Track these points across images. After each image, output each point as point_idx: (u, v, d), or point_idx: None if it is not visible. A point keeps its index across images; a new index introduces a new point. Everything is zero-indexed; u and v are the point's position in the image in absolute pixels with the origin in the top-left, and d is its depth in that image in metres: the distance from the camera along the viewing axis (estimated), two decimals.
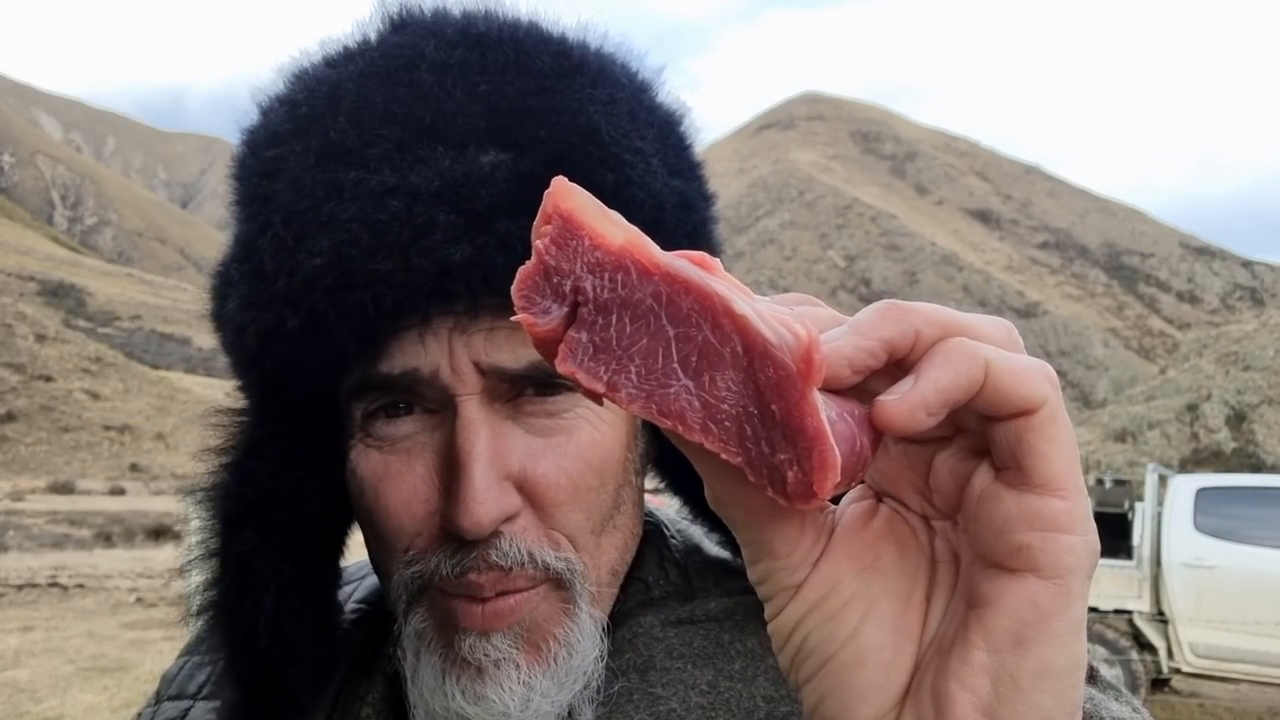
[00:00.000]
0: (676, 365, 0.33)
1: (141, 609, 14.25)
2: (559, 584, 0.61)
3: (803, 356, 0.32)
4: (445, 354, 0.59)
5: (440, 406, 0.61)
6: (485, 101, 0.60)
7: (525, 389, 0.60)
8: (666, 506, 0.78)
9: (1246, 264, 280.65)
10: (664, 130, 0.67)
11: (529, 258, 0.43)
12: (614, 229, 0.34)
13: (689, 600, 0.68)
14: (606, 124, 0.62)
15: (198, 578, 0.67)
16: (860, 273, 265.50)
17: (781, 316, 0.33)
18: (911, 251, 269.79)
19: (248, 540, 0.64)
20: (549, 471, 0.60)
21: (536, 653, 0.60)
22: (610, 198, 0.56)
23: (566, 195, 0.35)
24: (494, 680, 0.59)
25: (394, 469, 0.61)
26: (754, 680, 0.64)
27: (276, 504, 0.64)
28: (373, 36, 0.65)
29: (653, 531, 0.73)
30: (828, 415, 0.33)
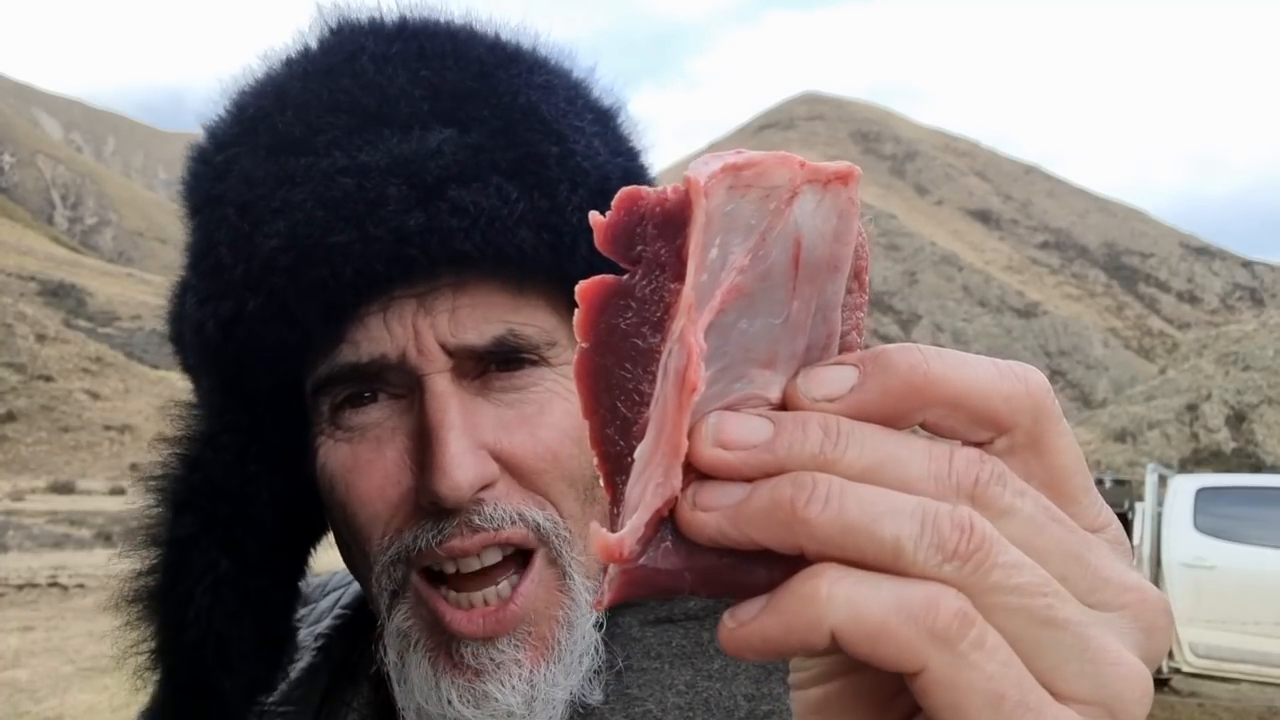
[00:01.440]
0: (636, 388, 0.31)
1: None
2: (550, 558, 0.60)
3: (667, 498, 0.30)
4: (410, 336, 0.59)
5: (407, 390, 0.61)
6: (427, 85, 0.62)
7: (490, 366, 0.61)
8: None
9: (1246, 264, 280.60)
10: (602, 116, 0.68)
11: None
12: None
13: (668, 598, 0.66)
14: (545, 104, 0.63)
15: (133, 563, 0.65)
16: None
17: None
18: (911, 251, 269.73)
19: (186, 527, 0.62)
20: (525, 441, 0.60)
21: (542, 645, 0.59)
22: (556, 167, 0.60)
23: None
24: (495, 679, 0.58)
25: (364, 457, 0.60)
26: (734, 679, 0.63)
27: (223, 497, 0.62)
28: (313, 43, 0.66)
29: None
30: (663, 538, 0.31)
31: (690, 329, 0.29)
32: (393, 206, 0.57)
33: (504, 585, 0.59)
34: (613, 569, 0.32)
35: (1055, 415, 0.37)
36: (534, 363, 0.61)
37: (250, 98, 0.65)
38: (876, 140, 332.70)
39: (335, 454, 0.61)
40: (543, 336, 0.62)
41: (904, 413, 0.32)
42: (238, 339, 0.60)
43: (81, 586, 16.45)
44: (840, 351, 0.34)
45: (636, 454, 0.31)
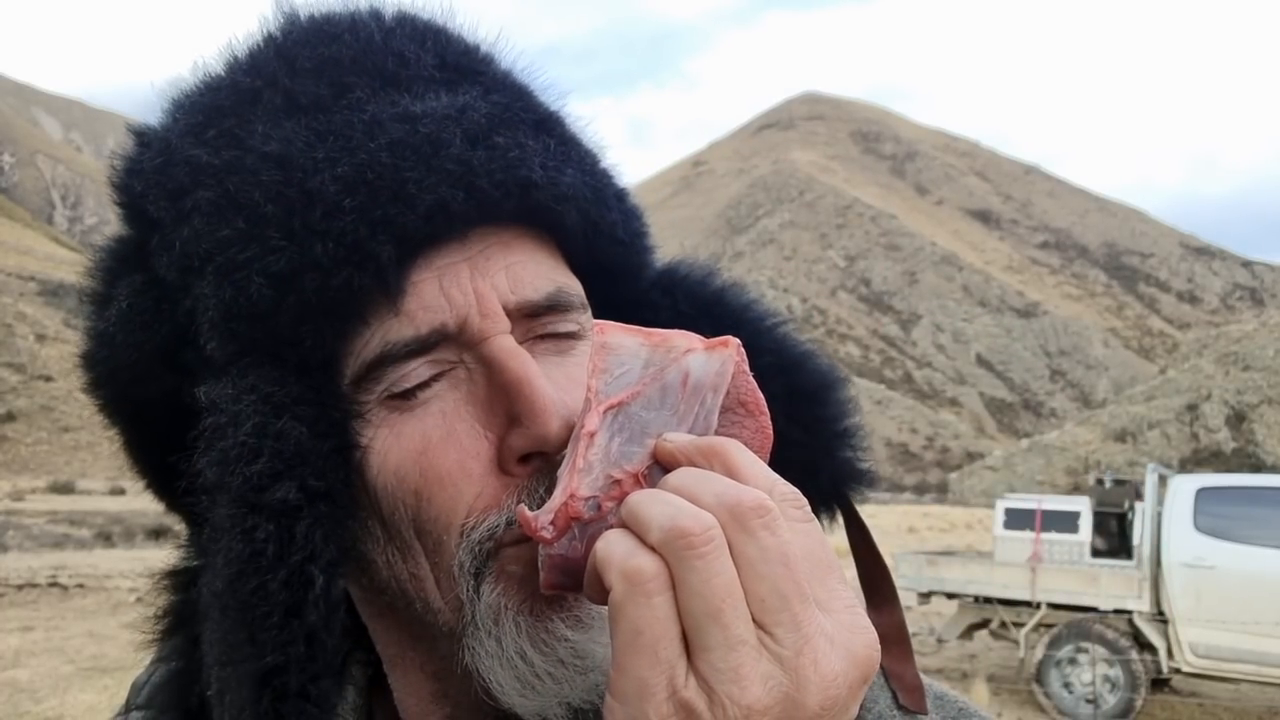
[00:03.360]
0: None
1: (142, 609, 14.20)
2: None
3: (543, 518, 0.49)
4: (473, 301, 0.58)
5: (457, 356, 0.59)
6: (436, 55, 0.64)
7: (536, 333, 0.61)
8: None
9: (1246, 264, 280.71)
10: (569, 120, 0.71)
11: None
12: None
13: None
14: (524, 78, 0.68)
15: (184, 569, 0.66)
16: (860, 272, 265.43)
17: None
18: (911, 251, 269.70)
19: (291, 493, 0.56)
20: (579, 398, 0.58)
21: None
22: (565, 130, 0.66)
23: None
24: (588, 607, 0.58)
25: (434, 437, 0.58)
26: None
27: (314, 469, 0.57)
28: (279, 30, 0.65)
29: None
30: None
31: (594, 404, 0.50)
32: (455, 146, 0.58)
33: None
34: (542, 552, 0.48)
35: (792, 515, 0.47)
36: (575, 335, 0.62)
37: (239, 74, 0.63)
38: (876, 140, 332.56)
39: (400, 442, 0.58)
40: (580, 297, 0.64)
41: (703, 459, 0.49)
42: (301, 290, 0.56)
43: (81, 586, 16.46)
44: None
45: (558, 471, 0.51)
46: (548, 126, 0.64)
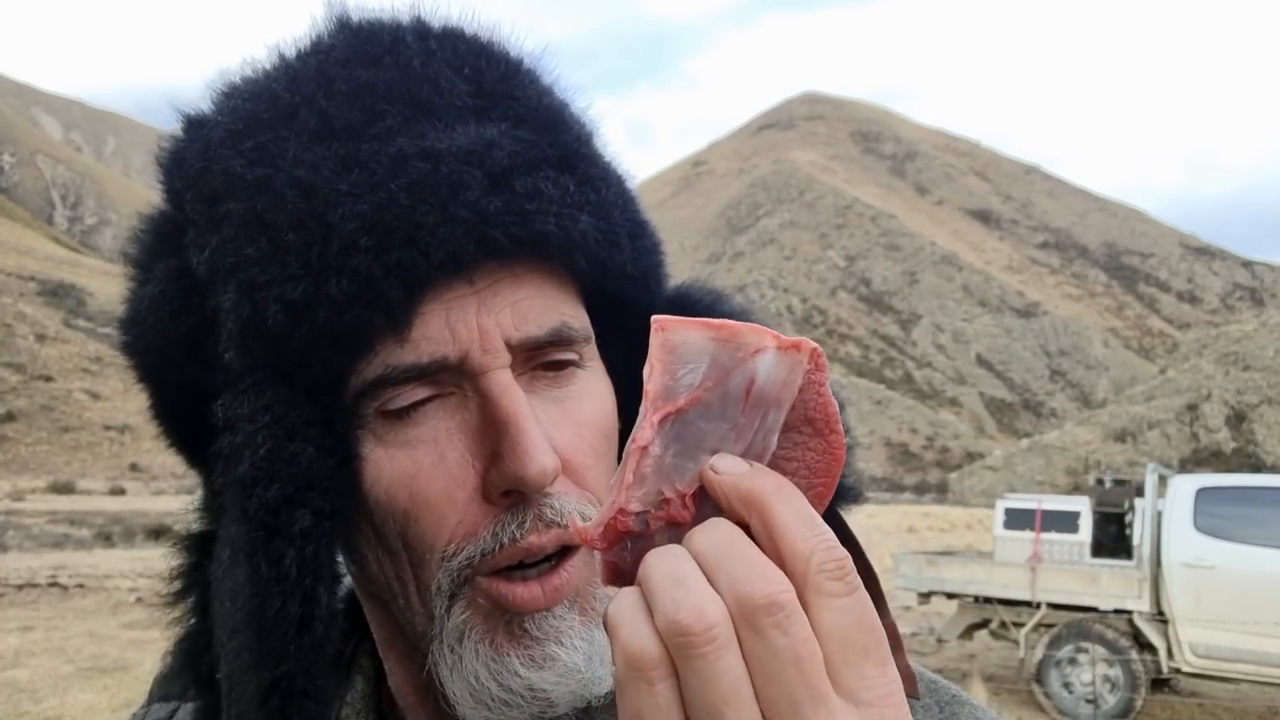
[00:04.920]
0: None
1: (141, 609, 14.24)
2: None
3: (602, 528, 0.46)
4: (475, 336, 0.59)
5: (456, 386, 0.61)
6: (470, 82, 0.64)
7: (537, 366, 0.62)
8: None
9: (1246, 264, 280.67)
10: (582, 112, 0.72)
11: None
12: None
13: None
14: (562, 105, 0.68)
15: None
16: (860, 272, 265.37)
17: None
18: (911, 251, 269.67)
19: (305, 521, 0.60)
20: (571, 438, 0.62)
21: (590, 612, 0.62)
22: (592, 166, 0.65)
23: None
24: (557, 641, 0.60)
25: (425, 463, 0.60)
26: None
27: (318, 490, 0.61)
28: (332, 37, 0.66)
29: None
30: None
31: (649, 412, 0.45)
32: (474, 191, 0.58)
33: (552, 563, 0.61)
34: (597, 556, 0.47)
35: (827, 590, 0.42)
36: (575, 364, 0.63)
37: (281, 85, 0.64)
38: (877, 140, 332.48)
39: (391, 464, 0.61)
40: (584, 331, 0.64)
41: (743, 508, 0.44)
42: (314, 321, 0.58)
43: (81, 586, 16.46)
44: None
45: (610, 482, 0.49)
46: (571, 164, 0.63)
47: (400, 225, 0.58)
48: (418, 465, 0.60)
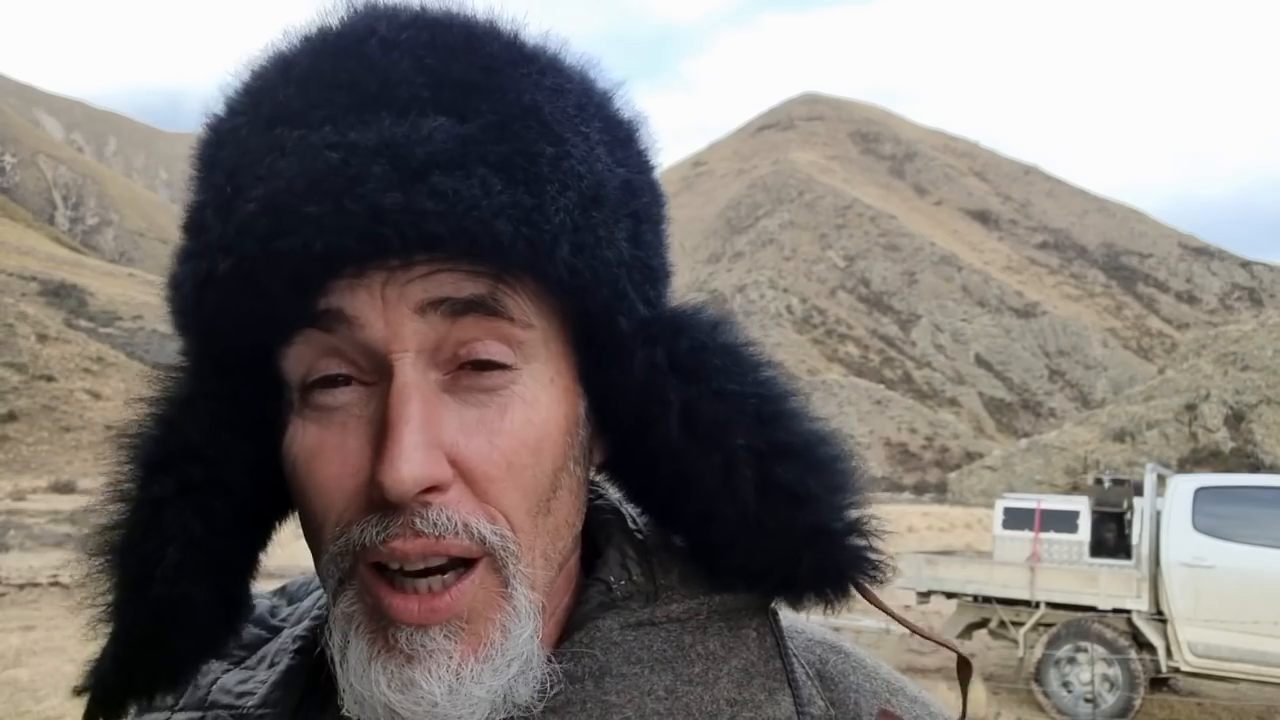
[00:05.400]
0: None
1: None
2: (494, 565, 0.60)
3: None
4: (378, 305, 0.59)
5: (378, 376, 0.60)
6: (431, 74, 0.61)
7: (464, 365, 0.60)
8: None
9: (1245, 264, 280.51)
10: (612, 126, 0.68)
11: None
12: None
13: (652, 600, 0.67)
14: (550, 105, 0.63)
15: (103, 517, 0.66)
16: (860, 273, 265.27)
17: None
18: (911, 251, 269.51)
19: (166, 487, 0.64)
20: (481, 446, 0.59)
21: (474, 642, 0.59)
22: (547, 167, 0.59)
23: None
24: (423, 666, 0.58)
25: (328, 444, 0.61)
26: (715, 683, 0.64)
27: (199, 460, 0.64)
28: (334, 23, 0.66)
29: (614, 525, 0.72)
30: None
31: None
32: (372, 184, 0.57)
33: (449, 577, 0.59)
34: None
35: None
36: (506, 366, 0.61)
37: (262, 70, 0.66)
38: (876, 140, 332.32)
39: (301, 436, 0.62)
40: (521, 314, 0.61)
41: None
42: (209, 303, 0.61)
43: (83, 586, 16.45)
44: None
45: None
46: (513, 164, 0.59)
47: (289, 213, 0.57)
48: (321, 444, 0.61)
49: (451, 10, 0.66)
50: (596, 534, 0.71)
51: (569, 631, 0.66)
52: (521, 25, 0.67)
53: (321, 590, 0.72)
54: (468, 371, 0.60)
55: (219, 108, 0.67)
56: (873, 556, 0.67)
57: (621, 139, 0.68)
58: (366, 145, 0.58)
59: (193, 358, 0.67)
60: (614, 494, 0.75)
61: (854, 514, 0.67)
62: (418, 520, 0.57)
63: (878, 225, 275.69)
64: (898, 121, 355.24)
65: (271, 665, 0.72)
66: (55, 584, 16.56)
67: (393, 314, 0.58)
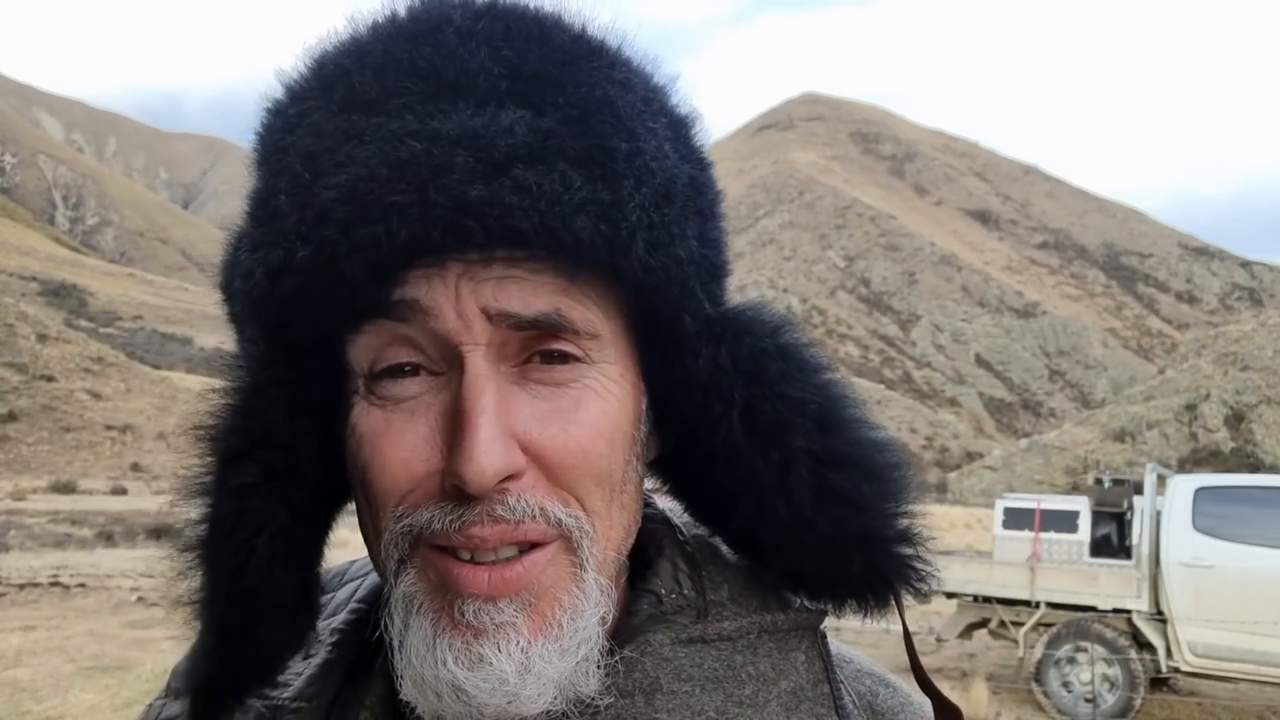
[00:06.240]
0: None
1: (143, 608, 14.28)
2: (568, 545, 0.60)
3: None
4: (452, 298, 0.58)
5: (447, 367, 0.60)
6: (508, 64, 0.61)
7: (533, 356, 0.60)
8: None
9: (1245, 264, 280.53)
10: (675, 123, 0.68)
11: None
12: None
13: (703, 616, 0.66)
14: (621, 99, 0.63)
15: (189, 512, 0.66)
16: (860, 273, 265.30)
17: None
18: (911, 251, 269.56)
19: (250, 475, 0.64)
20: (556, 435, 0.60)
21: (541, 620, 0.59)
22: (624, 163, 0.59)
23: None
24: (492, 641, 0.58)
25: (396, 426, 0.60)
26: (765, 706, 0.64)
27: (277, 447, 0.64)
28: (401, 11, 0.65)
29: (665, 535, 0.71)
30: None
31: None
32: (457, 175, 0.56)
33: (515, 551, 0.59)
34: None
35: None
36: (576, 359, 0.61)
37: (331, 56, 0.65)
38: (876, 141, 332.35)
39: (368, 417, 0.61)
40: (586, 325, 0.60)
41: None
42: (283, 290, 0.60)
43: (83, 586, 16.47)
44: None
45: None
46: (591, 159, 0.59)
47: (373, 201, 0.56)
48: (388, 425, 0.61)
49: (522, 1, 0.65)
50: (646, 544, 0.70)
51: (618, 643, 0.64)
52: (588, 18, 0.66)
53: (357, 582, 0.74)
54: (537, 365, 0.60)
55: (280, 93, 0.66)
56: (920, 566, 0.68)
57: (683, 134, 0.68)
58: (449, 135, 0.57)
59: (262, 345, 0.65)
60: (663, 504, 0.74)
61: (905, 522, 0.67)
62: (498, 508, 0.58)
63: (878, 225, 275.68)
64: (898, 121, 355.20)
65: (307, 657, 0.71)
66: (55, 584, 16.56)
67: (466, 307, 0.58)
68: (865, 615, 0.68)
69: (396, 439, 0.60)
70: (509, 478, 0.58)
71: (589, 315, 0.61)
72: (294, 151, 0.61)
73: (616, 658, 0.63)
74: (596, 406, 0.61)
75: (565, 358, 0.60)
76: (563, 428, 0.60)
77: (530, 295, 0.59)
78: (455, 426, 0.58)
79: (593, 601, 0.61)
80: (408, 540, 0.60)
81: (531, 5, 0.65)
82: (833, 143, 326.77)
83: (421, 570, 0.60)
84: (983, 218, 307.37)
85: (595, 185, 0.58)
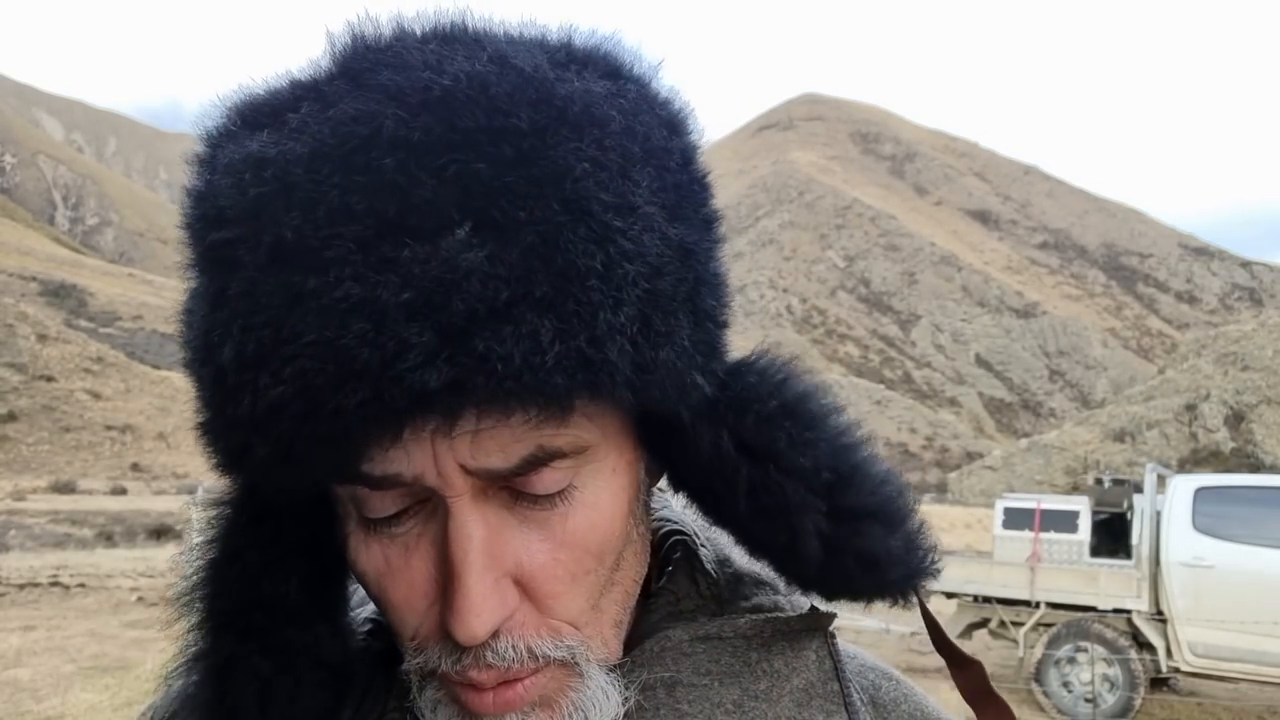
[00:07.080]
0: None
1: (143, 608, 14.28)
2: (564, 663, 0.60)
3: None
4: (429, 459, 0.54)
5: (431, 495, 0.57)
6: (456, 184, 0.51)
7: (521, 496, 0.57)
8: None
9: (1245, 264, 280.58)
10: (661, 160, 0.58)
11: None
12: None
13: (718, 615, 0.68)
14: (595, 186, 0.53)
15: (188, 676, 0.66)
16: (860, 273, 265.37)
17: None
18: (911, 252, 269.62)
19: (229, 646, 0.63)
20: (546, 564, 0.58)
21: (554, 710, 0.60)
22: (599, 284, 0.52)
23: None
24: None
25: (394, 564, 0.59)
26: (779, 701, 0.66)
27: (258, 609, 0.63)
28: (325, 86, 0.55)
29: (682, 547, 0.71)
30: None
31: None
32: (412, 360, 0.49)
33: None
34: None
35: None
36: (556, 494, 0.57)
37: (250, 172, 0.53)
38: (876, 141, 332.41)
39: (366, 554, 0.60)
40: (573, 445, 0.56)
41: None
42: (246, 468, 0.56)
43: (83, 586, 16.48)
44: None
45: None
46: (570, 287, 0.51)
47: (324, 403, 0.51)
48: (387, 564, 0.60)
49: (464, 65, 0.54)
50: (661, 546, 0.71)
51: (636, 638, 0.66)
52: (544, 64, 0.55)
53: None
54: (521, 496, 0.58)
55: (205, 184, 0.56)
56: (930, 557, 0.70)
57: (673, 173, 0.59)
58: (397, 303, 0.50)
59: (236, 496, 0.65)
60: (677, 503, 0.73)
61: (916, 561, 0.68)
62: (488, 654, 0.58)
63: (878, 225, 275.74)
64: (898, 121, 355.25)
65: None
66: (55, 584, 16.57)
67: (444, 465, 0.55)
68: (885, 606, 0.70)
69: (396, 578, 0.59)
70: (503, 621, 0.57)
71: (574, 433, 0.56)
72: (230, 310, 0.53)
73: (631, 679, 0.63)
74: (585, 520, 0.59)
75: (547, 496, 0.58)
76: (552, 554, 0.58)
77: (509, 443, 0.54)
78: (446, 571, 0.57)
79: (600, 693, 0.61)
80: (423, 671, 0.61)
81: (476, 73, 0.53)
82: (832, 143, 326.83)
83: (440, 687, 0.62)
84: (983, 218, 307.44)
85: (570, 328, 0.51)
